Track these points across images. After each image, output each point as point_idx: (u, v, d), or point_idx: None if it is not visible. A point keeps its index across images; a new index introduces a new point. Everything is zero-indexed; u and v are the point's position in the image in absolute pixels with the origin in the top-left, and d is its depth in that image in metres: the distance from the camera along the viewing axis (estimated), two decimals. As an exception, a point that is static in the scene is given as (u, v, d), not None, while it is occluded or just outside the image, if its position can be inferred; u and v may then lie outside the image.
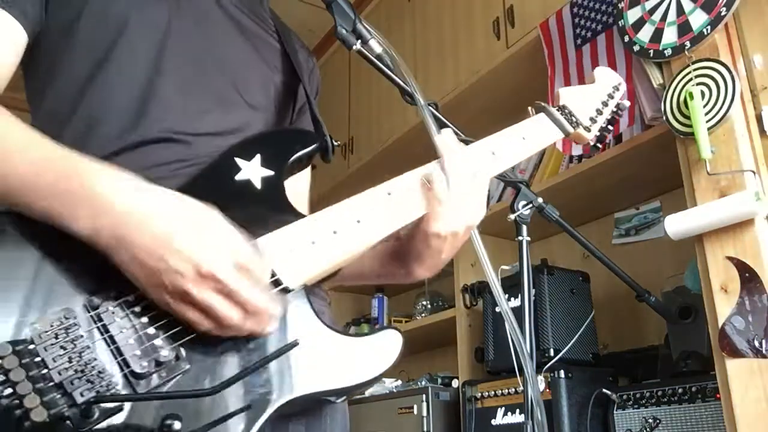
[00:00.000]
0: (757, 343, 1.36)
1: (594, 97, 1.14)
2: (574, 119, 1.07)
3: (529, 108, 1.07)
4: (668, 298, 1.80)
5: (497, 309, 2.18)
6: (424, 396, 2.34)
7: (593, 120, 1.10)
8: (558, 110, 1.06)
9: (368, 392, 2.86)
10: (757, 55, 1.56)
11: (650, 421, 1.66)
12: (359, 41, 0.98)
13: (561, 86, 1.43)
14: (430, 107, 0.99)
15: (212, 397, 0.67)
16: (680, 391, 1.63)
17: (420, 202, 0.87)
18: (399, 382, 2.87)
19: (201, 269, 0.65)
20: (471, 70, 2.55)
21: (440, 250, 0.89)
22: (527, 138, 1.01)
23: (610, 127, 1.15)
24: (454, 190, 0.85)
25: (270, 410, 0.69)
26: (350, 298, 3.65)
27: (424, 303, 2.92)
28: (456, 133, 0.95)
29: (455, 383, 2.43)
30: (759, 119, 1.51)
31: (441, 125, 0.99)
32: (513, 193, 1.24)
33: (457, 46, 2.70)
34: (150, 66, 0.86)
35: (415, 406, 2.36)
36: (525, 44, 2.28)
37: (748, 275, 1.39)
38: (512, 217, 1.21)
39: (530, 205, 1.22)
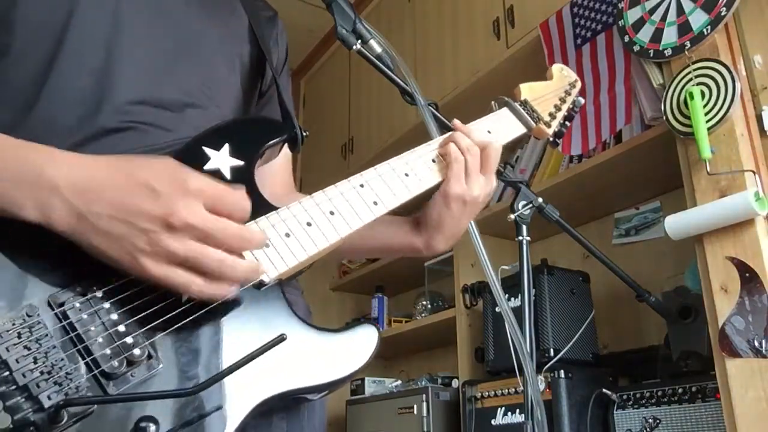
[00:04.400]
0: (757, 343, 1.36)
1: (552, 93, 1.15)
2: (535, 114, 1.08)
3: (493, 102, 1.08)
4: (668, 298, 1.80)
5: (497, 309, 2.18)
6: (424, 396, 2.34)
7: (552, 116, 1.12)
8: (520, 105, 1.07)
9: (368, 392, 2.86)
10: (757, 55, 1.56)
11: (650, 421, 1.66)
12: (359, 41, 0.98)
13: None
14: (430, 107, 0.99)
15: (188, 397, 0.63)
16: (680, 391, 1.63)
17: (391, 190, 0.87)
18: (399, 382, 2.86)
19: (169, 221, 0.62)
20: (471, 70, 2.55)
21: (460, 214, 0.93)
22: (493, 131, 1.02)
23: (567, 123, 1.17)
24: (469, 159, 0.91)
25: (247, 410, 0.66)
26: (350, 298, 3.65)
27: (424, 303, 2.91)
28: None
29: (455, 383, 2.43)
30: (759, 119, 1.51)
31: (441, 125, 0.99)
32: (513, 193, 1.24)
33: (457, 46, 2.70)
34: (104, 53, 0.81)
35: (415, 406, 2.36)
36: (525, 44, 2.28)
37: (748, 275, 1.39)
38: (512, 217, 1.21)
39: (530, 205, 1.22)
